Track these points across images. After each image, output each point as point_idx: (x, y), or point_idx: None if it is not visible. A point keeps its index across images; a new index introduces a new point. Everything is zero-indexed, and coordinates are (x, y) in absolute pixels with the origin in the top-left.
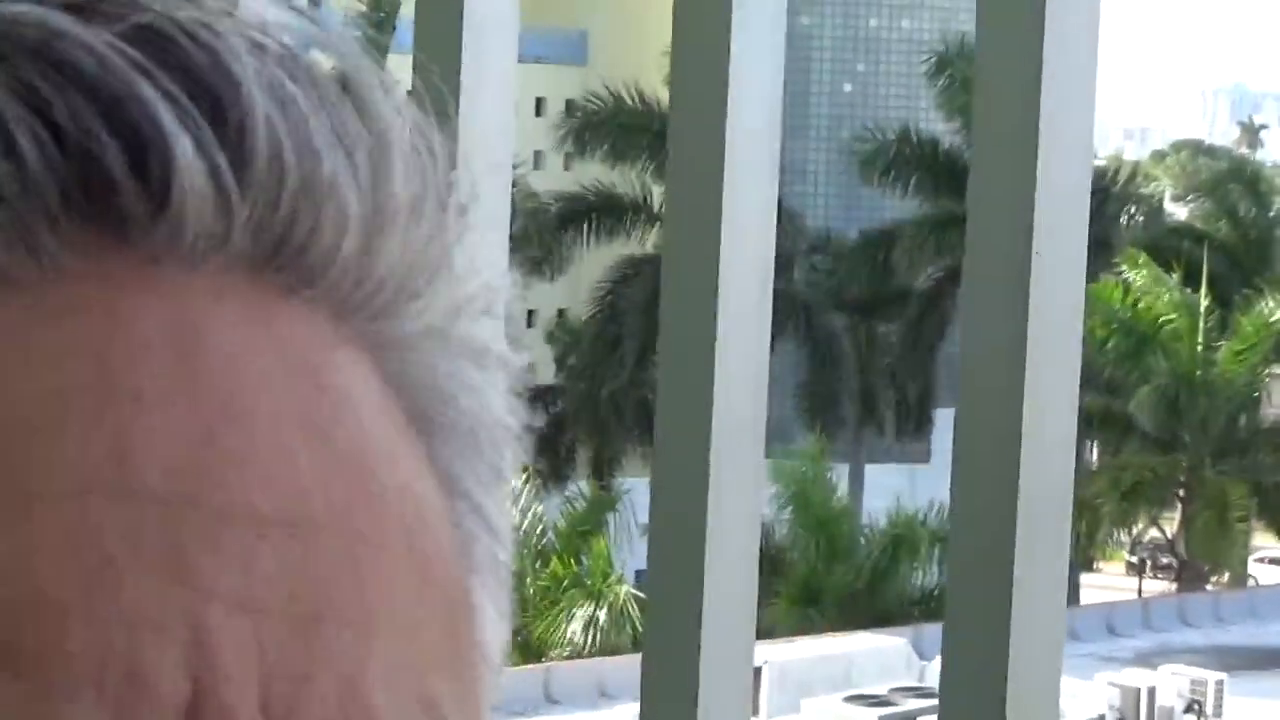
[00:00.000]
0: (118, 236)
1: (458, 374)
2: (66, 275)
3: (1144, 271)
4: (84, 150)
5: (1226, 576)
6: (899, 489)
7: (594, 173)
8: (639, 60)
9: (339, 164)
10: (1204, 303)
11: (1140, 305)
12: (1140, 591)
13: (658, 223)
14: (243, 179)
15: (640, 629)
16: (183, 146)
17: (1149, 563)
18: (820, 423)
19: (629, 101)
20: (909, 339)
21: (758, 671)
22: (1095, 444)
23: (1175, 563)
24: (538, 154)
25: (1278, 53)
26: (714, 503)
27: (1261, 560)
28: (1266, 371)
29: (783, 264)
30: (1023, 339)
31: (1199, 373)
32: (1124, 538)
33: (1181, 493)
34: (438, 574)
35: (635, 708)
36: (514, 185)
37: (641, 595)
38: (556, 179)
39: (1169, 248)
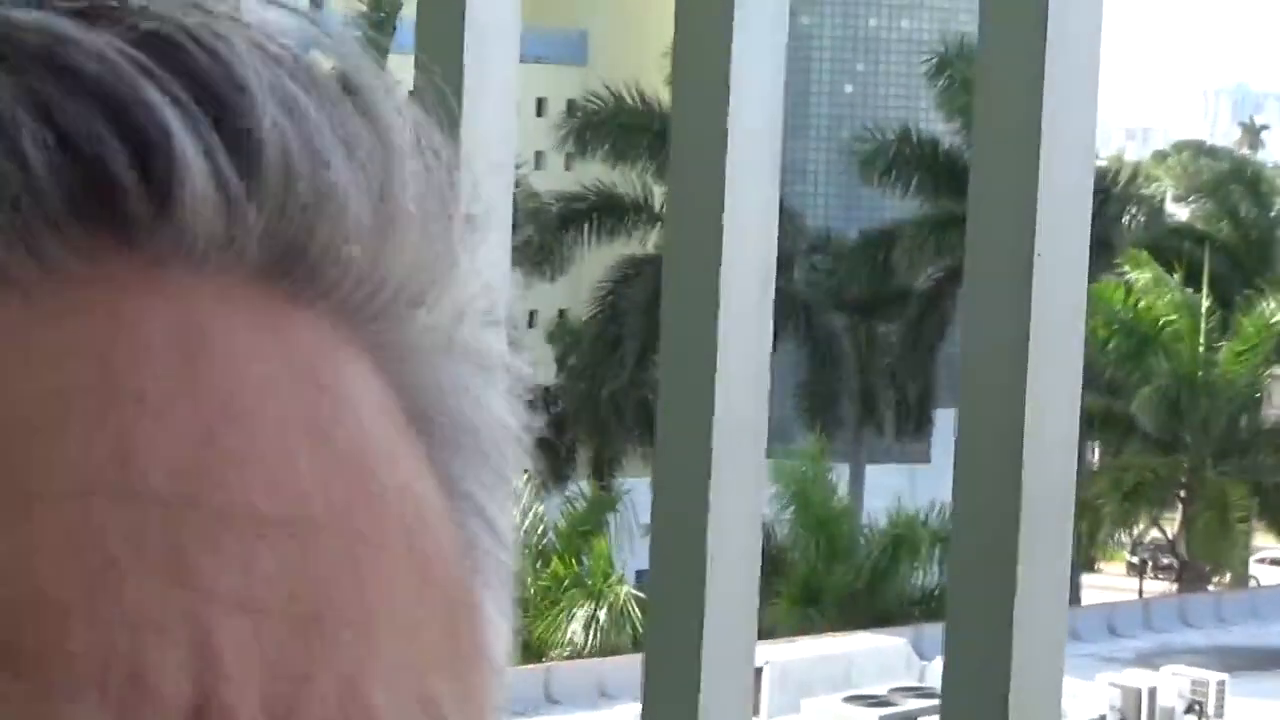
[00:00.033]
0: (123, 240)
1: (462, 380)
2: (71, 278)
3: (1145, 272)
4: (89, 154)
5: (1228, 577)
6: (899, 489)
7: (595, 173)
8: (639, 60)
9: (346, 170)
10: (1205, 303)
11: (1141, 306)
12: (1141, 592)
13: (658, 223)
14: (250, 184)
15: (640, 629)
16: (188, 150)
17: (1150, 563)
18: (820, 423)
19: (629, 101)
20: (909, 339)
21: (758, 671)
22: (1096, 444)
23: (1176, 563)
24: (539, 154)
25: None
26: (715, 502)
27: (1262, 561)
28: (1268, 372)
29: (783, 264)
30: (1025, 339)
31: (1200, 373)
32: (1125, 538)
33: (1182, 493)
34: (438, 574)
35: (635, 708)
36: (516, 185)
37: (641, 595)
38: (558, 179)
39: (1170, 248)
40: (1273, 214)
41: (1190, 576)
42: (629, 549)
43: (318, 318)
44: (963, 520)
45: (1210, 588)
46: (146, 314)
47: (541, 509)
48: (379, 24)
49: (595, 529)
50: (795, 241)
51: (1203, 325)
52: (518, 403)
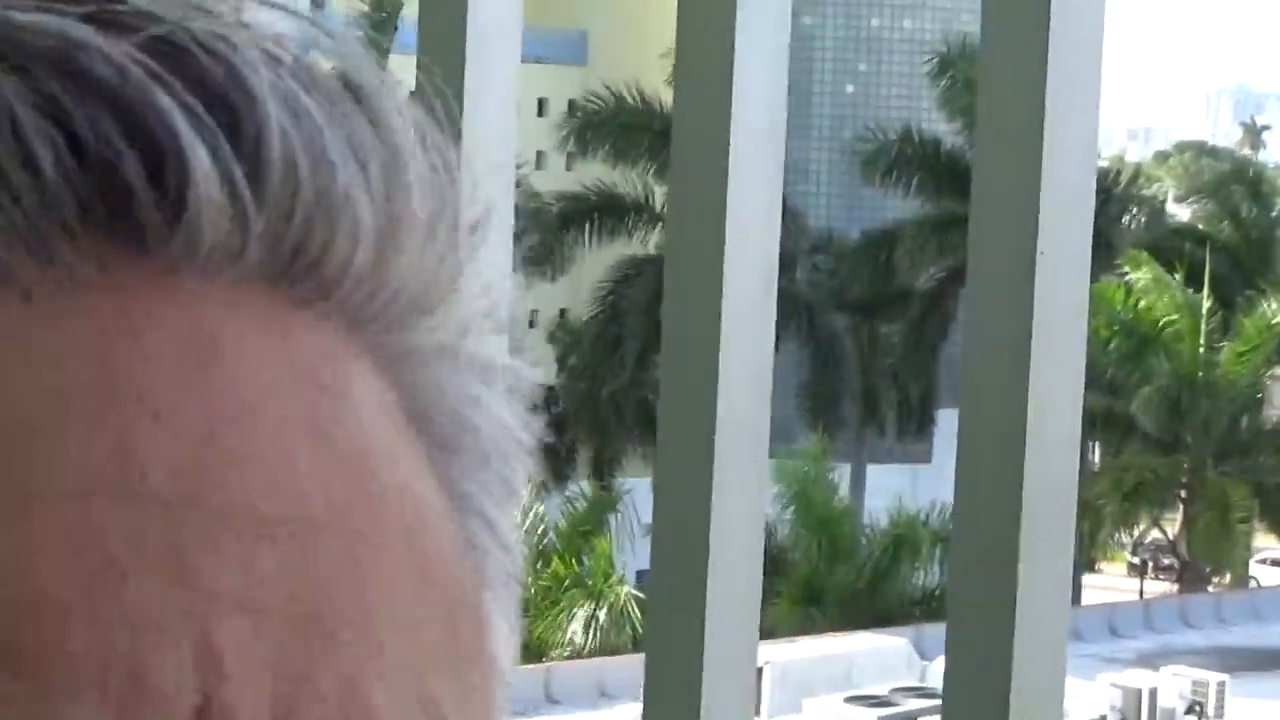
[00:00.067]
0: (134, 246)
1: (465, 383)
2: (81, 282)
3: (1146, 272)
4: (102, 160)
5: (1228, 578)
6: (900, 489)
7: (595, 172)
8: (639, 60)
9: (353, 176)
10: (1206, 304)
11: (1142, 306)
12: (1142, 592)
13: (659, 223)
14: (258, 191)
15: (640, 629)
16: (199, 156)
17: (1151, 564)
18: (822, 423)
19: (630, 101)
20: (911, 339)
21: (759, 671)
22: (1097, 445)
23: (1177, 564)
24: (540, 154)
25: None
26: (717, 502)
27: (1263, 561)
28: (1268, 373)
29: (785, 264)
30: (1027, 338)
31: (1201, 374)
32: (1126, 539)
33: (1183, 494)
34: (438, 574)
35: (635, 708)
36: (516, 185)
37: (641, 596)
38: (558, 179)
39: (1171, 249)
40: (1274, 214)
41: (1191, 577)
42: (629, 549)
43: (322, 322)
44: (964, 520)
45: (1211, 588)
46: (156, 320)
47: (542, 509)
48: (380, 24)
49: (596, 529)
50: (797, 241)
51: (1204, 326)
52: (521, 407)
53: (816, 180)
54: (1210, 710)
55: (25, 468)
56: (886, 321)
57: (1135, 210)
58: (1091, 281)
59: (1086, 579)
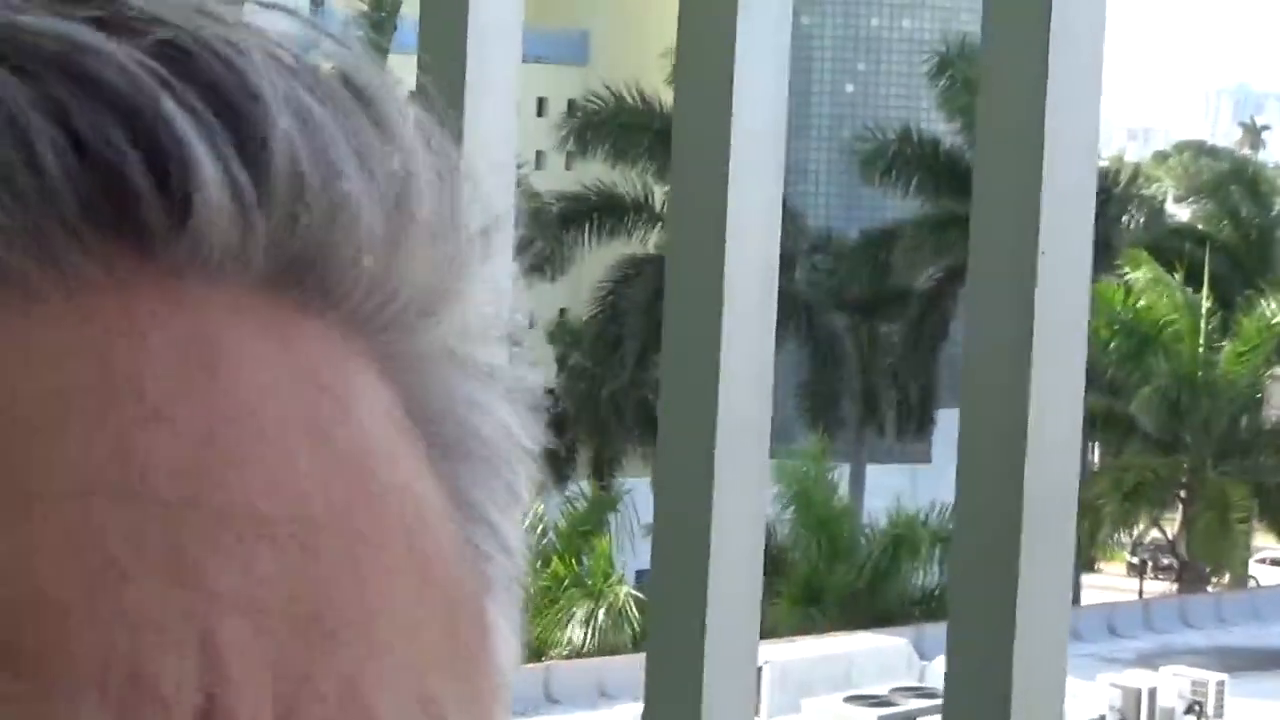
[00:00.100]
0: (139, 249)
1: (469, 388)
2: (85, 284)
3: (1146, 272)
4: (106, 162)
5: (1227, 577)
6: (900, 489)
7: (595, 172)
8: (640, 60)
9: (360, 181)
10: (1206, 304)
11: (1142, 306)
12: (1141, 592)
13: (659, 223)
14: (263, 195)
15: (640, 629)
16: (205, 160)
17: (1150, 564)
18: (822, 423)
19: (630, 101)
20: (910, 339)
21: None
22: (1097, 445)
23: (1176, 564)
24: (540, 154)
25: None
26: (718, 502)
27: (1263, 561)
28: (1268, 373)
29: (784, 263)
30: (1028, 338)
31: (1200, 374)
32: (1125, 539)
33: (1183, 494)
34: (438, 574)
35: (635, 708)
36: (517, 185)
37: (641, 596)
38: (558, 179)
39: (1171, 249)
40: (1273, 214)
41: (1190, 577)
42: (629, 549)
43: (327, 327)
44: (965, 520)
45: (1210, 588)
46: (159, 321)
47: (542, 509)
48: (379, 24)
49: (595, 529)
50: (796, 241)
51: (1203, 326)
52: (525, 412)
53: (816, 180)
54: (1210, 710)
55: (25, 468)
56: (886, 321)
57: (1135, 210)
58: (1091, 281)
59: (1086, 579)
